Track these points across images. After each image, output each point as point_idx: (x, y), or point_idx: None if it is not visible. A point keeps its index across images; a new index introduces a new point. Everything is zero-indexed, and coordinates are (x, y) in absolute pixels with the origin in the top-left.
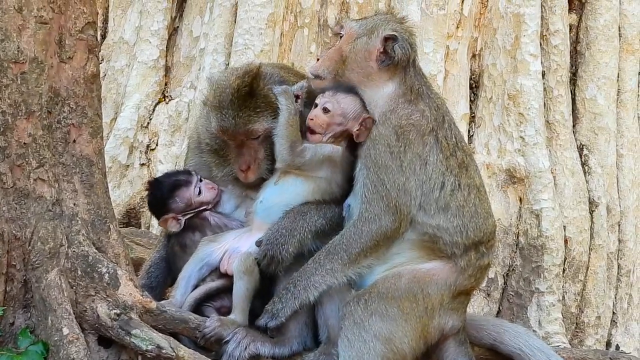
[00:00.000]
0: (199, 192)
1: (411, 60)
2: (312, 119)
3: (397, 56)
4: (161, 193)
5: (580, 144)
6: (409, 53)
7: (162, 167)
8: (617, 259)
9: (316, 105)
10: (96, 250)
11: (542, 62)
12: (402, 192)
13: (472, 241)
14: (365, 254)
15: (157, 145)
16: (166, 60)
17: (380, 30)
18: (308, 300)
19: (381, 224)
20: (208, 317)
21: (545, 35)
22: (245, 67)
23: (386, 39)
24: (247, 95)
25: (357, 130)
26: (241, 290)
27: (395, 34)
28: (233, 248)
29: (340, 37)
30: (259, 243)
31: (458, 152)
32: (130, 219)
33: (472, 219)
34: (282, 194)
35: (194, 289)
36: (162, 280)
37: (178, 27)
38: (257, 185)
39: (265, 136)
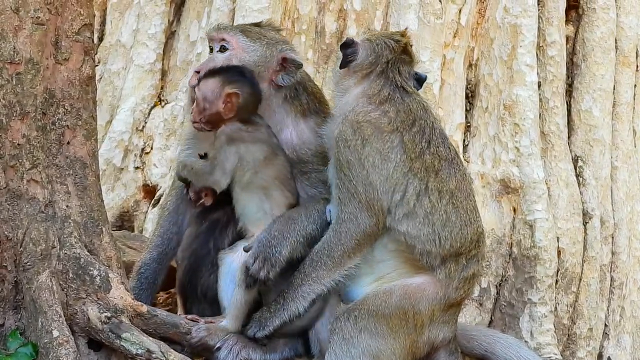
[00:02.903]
0: None
1: (379, 68)
2: (191, 112)
3: (354, 60)
4: None
5: (575, 155)
6: (370, 59)
7: (156, 170)
8: (610, 271)
9: None
10: (88, 253)
11: (538, 73)
12: (369, 187)
13: (448, 252)
14: (349, 255)
15: (152, 148)
16: (163, 64)
17: (353, 36)
18: (297, 312)
19: (359, 222)
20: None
21: (542, 46)
22: None
23: (345, 43)
24: (253, 24)
25: (222, 107)
26: (239, 297)
27: (353, 39)
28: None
29: None
30: (247, 249)
31: (427, 155)
32: (124, 222)
33: (444, 228)
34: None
35: None
36: (152, 281)
37: (175, 31)
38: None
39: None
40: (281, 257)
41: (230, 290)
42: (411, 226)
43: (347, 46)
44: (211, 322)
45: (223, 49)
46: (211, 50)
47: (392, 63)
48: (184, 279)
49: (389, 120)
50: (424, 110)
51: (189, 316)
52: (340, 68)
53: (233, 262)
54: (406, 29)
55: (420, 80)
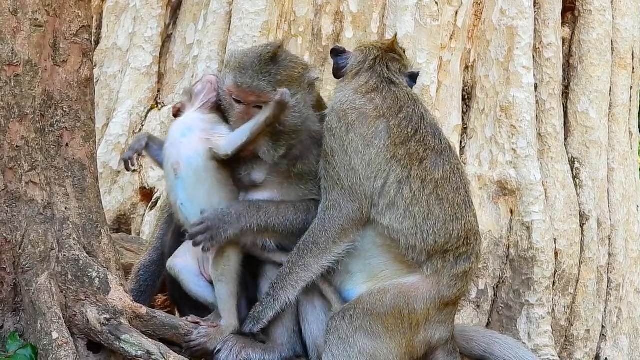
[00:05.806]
0: None
1: (368, 65)
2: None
3: (345, 65)
4: None
5: (572, 157)
6: (359, 59)
7: (153, 173)
8: (607, 273)
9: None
10: (87, 255)
11: (534, 75)
12: (351, 172)
13: (432, 247)
14: (334, 240)
15: None
16: (159, 67)
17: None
18: (288, 300)
19: (341, 208)
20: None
21: (538, 48)
22: (267, 43)
23: (332, 52)
24: (269, 60)
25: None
26: (223, 292)
27: (337, 47)
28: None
29: None
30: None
31: (412, 143)
32: (121, 225)
33: (426, 221)
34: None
35: None
36: (151, 284)
37: (172, 34)
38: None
39: None
40: (225, 235)
41: (204, 288)
42: (393, 219)
43: (337, 53)
44: (213, 326)
45: (259, 107)
46: (238, 102)
47: (379, 59)
48: (172, 288)
49: (375, 106)
50: (412, 101)
51: (190, 318)
52: (335, 77)
53: (187, 266)
54: (395, 35)
55: (413, 76)
